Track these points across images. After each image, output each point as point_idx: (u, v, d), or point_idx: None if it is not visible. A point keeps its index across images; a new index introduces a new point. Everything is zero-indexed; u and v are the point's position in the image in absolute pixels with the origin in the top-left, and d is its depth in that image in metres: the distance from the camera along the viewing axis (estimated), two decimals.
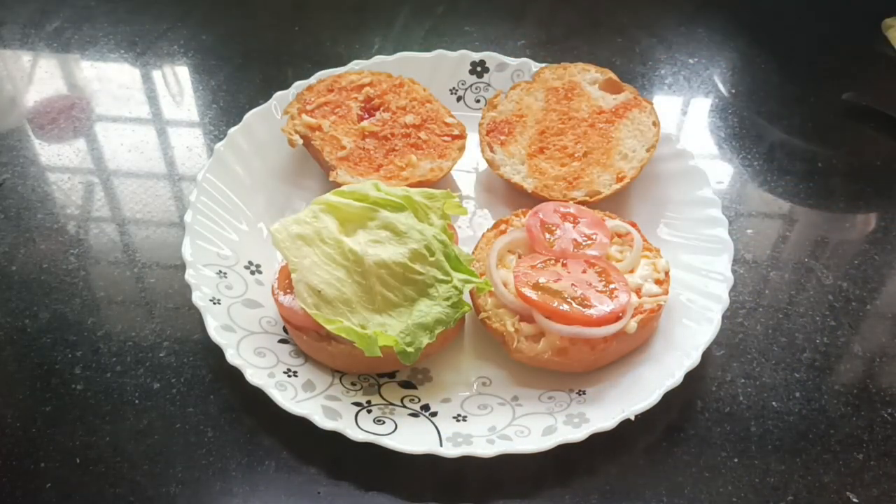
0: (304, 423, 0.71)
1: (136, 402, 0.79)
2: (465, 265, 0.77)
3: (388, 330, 0.72)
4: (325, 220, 0.78)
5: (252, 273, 0.87)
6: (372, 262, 0.73)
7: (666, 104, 1.15)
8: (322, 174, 0.98)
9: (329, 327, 0.72)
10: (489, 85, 1.09)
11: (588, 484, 0.73)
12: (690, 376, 0.74)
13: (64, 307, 0.87)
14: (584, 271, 0.79)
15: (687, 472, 0.74)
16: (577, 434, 0.70)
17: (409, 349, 0.71)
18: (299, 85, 1.03)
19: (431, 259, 0.75)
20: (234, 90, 1.16)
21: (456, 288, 0.74)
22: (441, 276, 0.75)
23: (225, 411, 0.78)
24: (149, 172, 1.04)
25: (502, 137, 0.98)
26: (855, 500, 0.72)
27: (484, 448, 0.70)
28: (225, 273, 0.85)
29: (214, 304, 0.80)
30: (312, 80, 1.03)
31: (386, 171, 0.94)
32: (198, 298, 0.80)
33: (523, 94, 1.01)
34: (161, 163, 1.06)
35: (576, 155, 0.95)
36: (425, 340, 0.72)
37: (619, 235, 0.85)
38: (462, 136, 0.99)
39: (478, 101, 1.09)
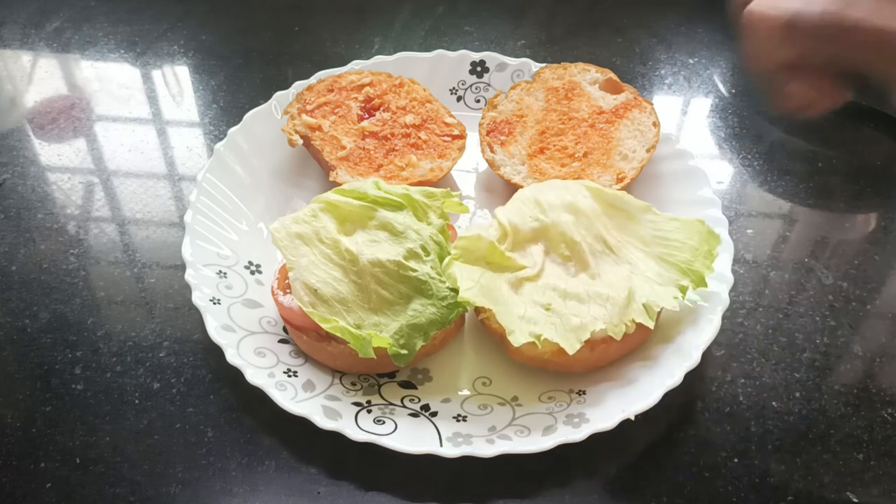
0: (304, 423, 0.71)
1: (136, 402, 0.79)
2: None
3: (383, 330, 0.72)
4: (323, 219, 0.78)
5: (252, 273, 0.87)
6: (367, 261, 0.74)
7: (666, 104, 1.15)
8: (322, 174, 0.98)
9: (325, 326, 0.72)
10: (489, 85, 1.09)
11: (588, 484, 0.73)
12: (690, 376, 0.74)
13: (64, 307, 0.87)
14: None
15: (687, 472, 0.74)
16: (577, 434, 0.70)
17: (403, 351, 0.72)
18: (299, 85, 1.03)
19: (427, 258, 0.76)
20: (234, 90, 1.16)
21: (451, 288, 0.74)
22: (435, 276, 0.75)
23: (225, 411, 0.78)
24: (149, 172, 1.04)
25: (502, 138, 0.98)
26: (855, 500, 0.72)
27: (484, 448, 0.70)
28: (225, 273, 0.85)
29: (214, 304, 0.80)
30: (312, 80, 1.03)
31: (386, 171, 0.94)
32: (198, 298, 0.80)
33: (523, 94, 1.01)
34: (161, 163, 1.06)
35: (576, 155, 0.95)
36: (419, 343, 0.72)
37: None
38: (462, 136, 0.99)
39: (478, 101, 1.09)
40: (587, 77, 1.02)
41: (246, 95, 1.15)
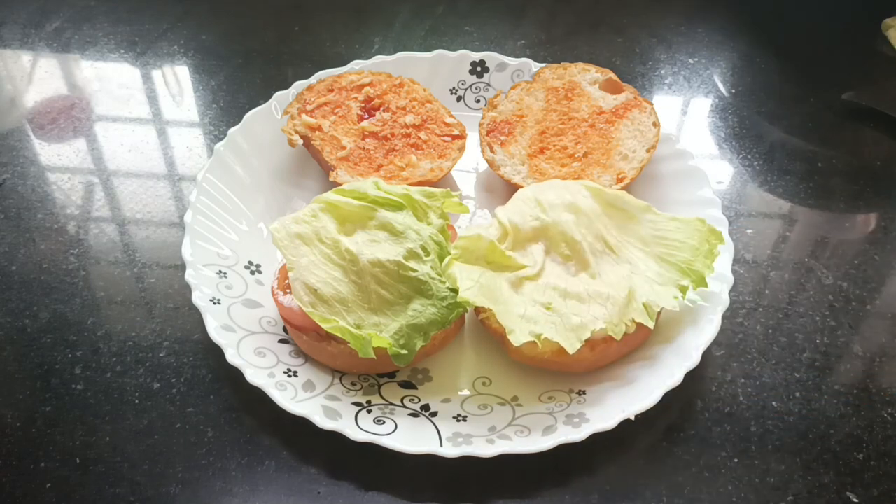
0: (304, 423, 0.71)
1: (136, 402, 0.79)
2: None
3: (383, 330, 0.72)
4: (323, 219, 0.78)
5: (252, 273, 0.87)
6: (367, 261, 0.74)
7: (666, 104, 1.15)
8: (322, 174, 0.98)
9: (325, 326, 0.72)
10: (489, 85, 1.09)
11: (588, 484, 0.73)
12: (690, 376, 0.74)
13: (64, 307, 0.87)
14: None
15: (687, 472, 0.74)
16: (577, 434, 0.70)
17: (403, 351, 0.72)
18: (299, 85, 1.03)
19: (427, 258, 0.76)
20: (234, 90, 1.16)
21: (451, 288, 0.74)
22: (435, 276, 0.75)
23: (225, 411, 0.78)
24: (149, 172, 1.04)
25: (502, 138, 0.98)
26: (855, 500, 0.72)
27: (484, 448, 0.70)
28: (225, 273, 0.85)
29: (214, 304, 0.80)
30: (312, 80, 1.03)
31: (386, 171, 0.94)
32: (198, 298, 0.80)
33: (523, 94, 1.01)
34: (161, 163, 1.06)
35: (576, 155, 0.95)
36: (419, 343, 0.72)
37: None
38: (462, 136, 0.99)
39: (478, 101, 1.09)
40: (587, 77, 1.02)
41: (246, 95, 1.15)
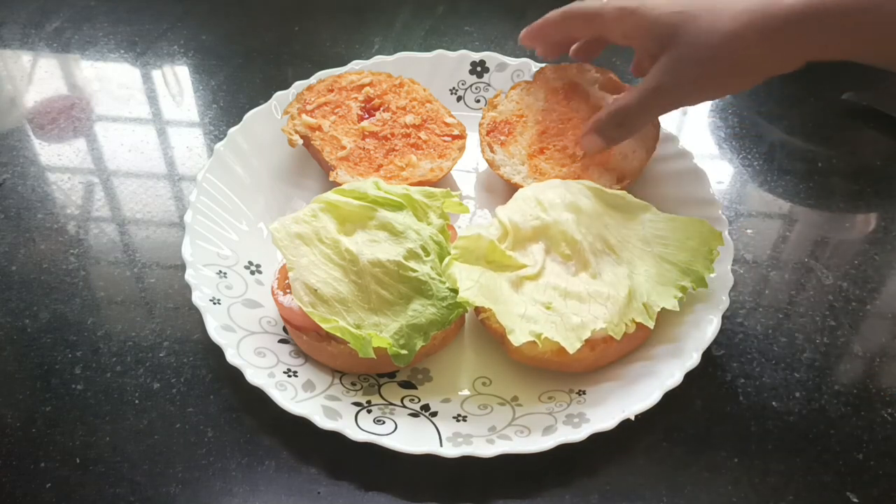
0: (304, 423, 0.71)
1: (136, 402, 0.79)
2: None
3: (383, 330, 0.72)
4: (323, 219, 0.78)
5: (252, 273, 0.87)
6: (367, 261, 0.74)
7: None
8: (322, 174, 0.98)
9: (325, 326, 0.72)
10: (489, 85, 1.09)
11: (588, 484, 0.73)
12: (690, 376, 0.74)
13: (64, 307, 0.87)
14: None
15: (687, 472, 0.74)
16: (577, 434, 0.70)
17: (403, 351, 0.72)
18: (299, 85, 1.03)
19: (427, 258, 0.76)
20: (234, 90, 1.16)
21: (451, 288, 0.74)
22: (435, 276, 0.75)
23: (225, 411, 0.78)
24: (149, 172, 1.04)
25: (502, 138, 0.98)
26: (855, 500, 0.72)
27: (484, 448, 0.70)
28: (225, 273, 0.85)
29: (214, 304, 0.80)
30: (312, 80, 1.03)
31: (386, 171, 0.94)
32: (198, 298, 0.80)
33: (523, 94, 1.01)
34: (161, 163, 1.06)
35: (576, 155, 0.95)
36: (419, 343, 0.72)
37: None
38: (462, 136, 0.99)
39: (478, 101, 1.09)
40: (587, 77, 1.01)
41: (246, 95, 1.15)
